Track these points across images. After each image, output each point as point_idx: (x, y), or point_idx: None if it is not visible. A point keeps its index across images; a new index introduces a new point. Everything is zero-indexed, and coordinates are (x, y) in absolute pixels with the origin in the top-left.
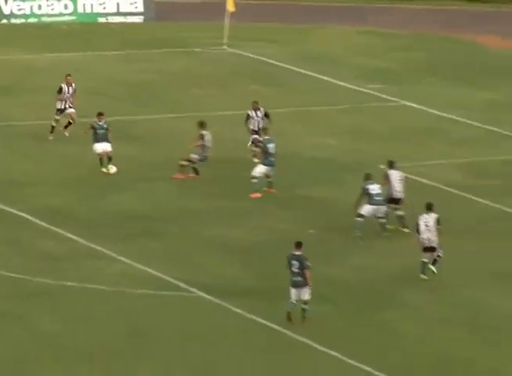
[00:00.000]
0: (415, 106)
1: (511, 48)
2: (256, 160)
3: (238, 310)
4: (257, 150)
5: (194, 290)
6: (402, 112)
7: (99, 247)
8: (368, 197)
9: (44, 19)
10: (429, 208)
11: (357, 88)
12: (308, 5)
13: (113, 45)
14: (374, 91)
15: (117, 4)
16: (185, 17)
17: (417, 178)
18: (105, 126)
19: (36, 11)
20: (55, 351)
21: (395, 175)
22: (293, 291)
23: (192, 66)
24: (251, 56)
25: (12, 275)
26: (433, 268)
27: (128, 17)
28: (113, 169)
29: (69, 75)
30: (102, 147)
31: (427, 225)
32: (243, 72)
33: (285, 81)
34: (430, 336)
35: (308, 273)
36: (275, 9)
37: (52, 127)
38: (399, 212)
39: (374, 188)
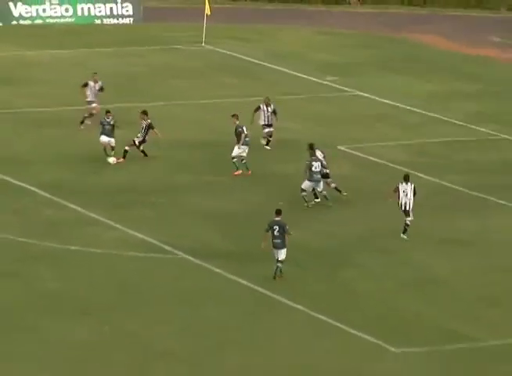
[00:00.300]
0: (367, 95)
1: (449, 46)
2: (267, 147)
3: (218, 270)
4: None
5: (180, 253)
6: (355, 101)
7: (97, 216)
8: (309, 174)
9: (48, 20)
10: (406, 179)
11: (317, 80)
12: (274, 9)
13: (107, 43)
14: (331, 82)
15: (111, 8)
16: (168, 19)
17: (369, 156)
18: (111, 123)
19: (41, 14)
20: (56, 304)
21: (319, 154)
22: (275, 252)
23: (174, 61)
24: (226, 52)
25: (20, 239)
26: (404, 236)
27: (120, 19)
28: (111, 159)
29: (95, 73)
30: (106, 139)
31: (404, 192)
32: (218, 66)
33: (255, 74)
34: (382, 292)
35: (287, 236)
36: (246, 12)
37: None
38: (333, 184)
39: (316, 166)
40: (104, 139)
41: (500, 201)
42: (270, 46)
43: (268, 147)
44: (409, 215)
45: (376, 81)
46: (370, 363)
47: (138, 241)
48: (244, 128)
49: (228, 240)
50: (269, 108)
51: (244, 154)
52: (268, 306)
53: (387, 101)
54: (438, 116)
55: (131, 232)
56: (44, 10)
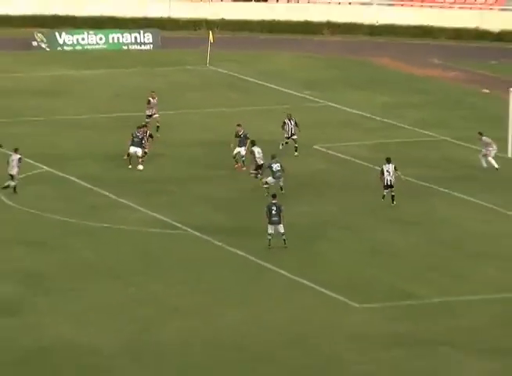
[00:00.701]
0: (336, 105)
1: (400, 67)
2: (296, 153)
3: (219, 243)
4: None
5: (189, 229)
6: (327, 110)
7: (124, 201)
8: (271, 172)
9: (86, 47)
10: (388, 161)
11: (297, 93)
12: (264, 39)
13: (132, 64)
14: (308, 95)
15: (135, 37)
16: (180, 46)
17: (338, 154)
18: (140, 137)
19: (80, 41)
20: (91, 271)
21: (257, 151)
22: (270, 227)
23: (185, 79)
24: (226, 72)
25: (64, 219)
26: (393, 203)
27: (143, 46)
28: (140, 167)
29: (153, 91)
30: (134, 150)
31: (388, 171)
32: (220, 83)
33: (249, 89)
34: (348, 260)
35: (283, 215)
36: (242, 41)
37: (144, 125)
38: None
39: (276, 166)
40: (132, 149)
41: (442, 189)
42: (260, 67)
43: (296, 153)
44: (392, 187)
45: (343, 94)
46: (338, 316)
47: (156, 221)
48: (247, 135)
49: (227, 220)
50: (292, 121)
51: (243, 152)
52: (259, 271)
53: (352, 110)
54: (392, 122)
55: (150, 213)
56: (83, 39)
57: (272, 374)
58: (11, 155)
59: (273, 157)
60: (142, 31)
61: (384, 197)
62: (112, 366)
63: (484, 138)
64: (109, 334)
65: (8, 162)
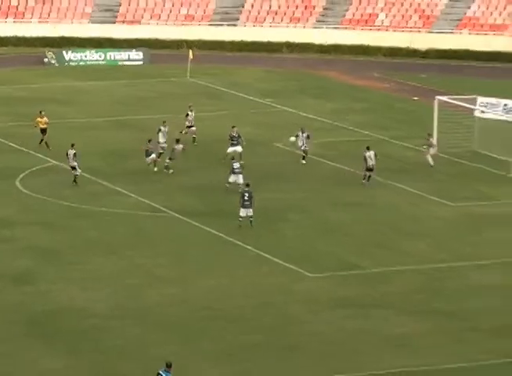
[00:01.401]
0: (292, 111)
1: (345, 79)
2: (303, 161)
3: (196, 223)
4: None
5: (171, 212)
6: (284, 114)
7: (119, 189)
8: (232, 169)
9: (88, 63)
10: (368, 148)
11: (260, 100)
12: (233, 56)
13: (126, 77)
14: (269, 102)
15: (128, 54)
16: (166, 62)
17: (294, 150)
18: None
19: (83, 58)
20: (91, 247)
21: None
22: (242, 210)
23: (170, 88)
24: (203, 83)
25: (69, 204)
26: (368, 181)
27: (135, 62)
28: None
29: (191, 105)
30: (151, 157)
31: (369, 157)
32: (198, 92)
33: (221, 97)
34: (303, 237)
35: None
36: (215, 57)
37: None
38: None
39: (236, 165)
40: (148, 158)
41: (381, 179)
42: (231, 79)
43: (303, 162)
44: (372, 171)
45: (298, 101)
46: (294, 283)
47: (145, 205)
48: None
49: (204, 205)
50: (304, 134)
51: (240, 150)
52: (229, 247)
53: (306, 114)
54: (338, 124)
55: (141, 199)
56: (85, 56)
57: (238, 330)
58: (68, 150)
59: (233, 158)
60: (134, 50)
61: (364, 177)
62: (107, 326)
63: (431, 139)
64: (104, 298)
65: (67, 155)
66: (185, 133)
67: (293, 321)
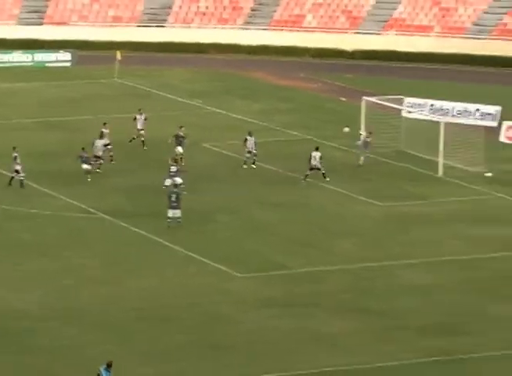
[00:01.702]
0: (220, 111)
1: (271, 80)
2: (253, 166)
3: (125, 224)
4: None
5: (100, 213)
6: (213, 115)
7: (49, 191)
8: (168, 173)
9: (15, 64)
10: (317, 149)
11: (188, 101)
12: (161, 56)
13: (54, 78)
14: (197, 103)
15: (56, 56)
16: (94, 63)
17: (222, 151)
18: (85, 155)
19: (11, 60)
20: (24, 248)
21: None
22: (170, 211)
23: (98, 89)
24: (130, 84)
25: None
26: (327, 178)
27: (63, 63)
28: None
29: (140, 109)
30: (85, 168)
31: (314, 157)
32: (126, 93)
33: (149, 98)
34: (232, 238)
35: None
36: (143, 58)
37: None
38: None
39: (173, 169)
40: (85, 166)
41: (308, 179)
42: (157, 80)
43: (254, 166)
44: (319, 169)
45: (226, 102)
46: (223, 283)
47: (75, 207)
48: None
49: (132, 206)
50: (252, 138)
51: (181, 151)
52: (159, 248)
53: (234, 115)
54: (266, 124)
55: (70, 201)
56: (13, 57)
57: (170, 330)
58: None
59: (172, 163)
60: (62, 51)
61: (306, 176)
62: (41, 327)
63: (366, 139)
64: (38, 300)
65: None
66: (137, 137)
67: (223, 321)
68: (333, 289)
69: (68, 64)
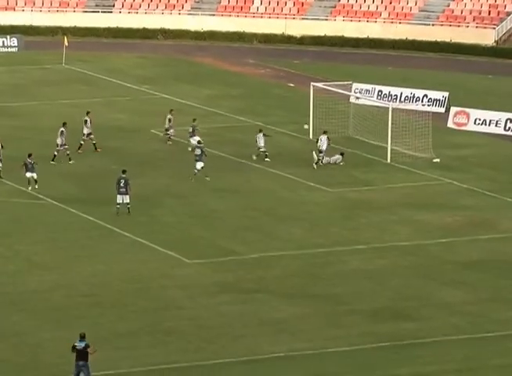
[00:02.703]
0: (168, 97)
1: (220, 65)
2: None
3: (74, 211)
4: None
5: (49, 199)
6: (161, 101)
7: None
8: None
9: None
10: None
11: (136, 87)
12: (107, 42)
13: (1, 64)
14: (145, 89)
15: (3, 41)
16: (40, 48)
17: (171, 137)
18: (32, 162)
19: None
20: None
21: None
22: (119, 197)
23: (45, 75)
24: (77, 69)
25: None
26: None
27: (9, 48)
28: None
29: (88, 112)
30: (30, 175)
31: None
32: (73, 79)
33: (96, 83)
34: (180, 223)
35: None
36: (89, 44)
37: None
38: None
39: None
40: (28, 174)
41: (255, 165)
42: (105, 65)
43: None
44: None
45: (174, 88)
46: (172, 269)
47: (21, 192)
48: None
49: (81, 192)
50: (261, 134)
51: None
52: (107, 234)
53: (182, 101)
54: (214, 110)
55: (16, 186)
56: None
57: (116, 316)
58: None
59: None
60: (8, 37)
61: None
62: None
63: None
64: None
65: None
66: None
67: (171, 306)
68: (282, 274)
69: (15, 50)
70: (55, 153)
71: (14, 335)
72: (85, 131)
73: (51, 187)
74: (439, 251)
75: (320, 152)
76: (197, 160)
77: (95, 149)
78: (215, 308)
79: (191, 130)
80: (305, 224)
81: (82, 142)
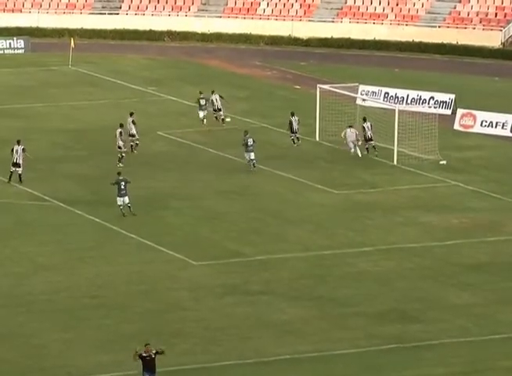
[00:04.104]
0: (174, 99)
1: (227, 67)
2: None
3: (80, 212)
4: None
5: (55, 201)
6: (167, 102)
7: (1, 178)
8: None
9: None
10: (364, 120)
11: (143, 89)
12: (114, 44)
13: (7, 66)
14: (152, 91)
15: (10, 43)
16: (47, 50)
17: (176, 138)
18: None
19: None
20: None
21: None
22: (119, 199)
23: (52, 77)
24: (84, 71)
25: None
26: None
27: (16, 50)
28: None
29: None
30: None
31: (368, 127)
32: (80, 80)
33: (103, 85)
34: (186, 224)
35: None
36: (97, 46)
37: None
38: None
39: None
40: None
41: (262, 166)
42: (111, 67)
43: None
44: (371, 140)
45: (180, 90)
46: (179, 271)
47: (28, 194)
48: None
49: (86, 193)
50: (295, 118)
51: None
52: (113, 235)
53: (187, 103)
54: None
55: (23, 188)
56: None
57: (125, 317)
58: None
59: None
60: (15, 38)
61: (367, 149)
62: None
63: (353, 129)
64: None
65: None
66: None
67: (177, 308)
68: (288, 276)
69: (21, 51)
70: (120, 155)
71: (19, 337)
72: (133, 131)
73: (55, 188)
74: (445, 253)
75: (370, 139)
76: (250, 151)
77: (132, 150)
78: (221, 310)
79: (245, 142)
80: (311, 226)
81: (137, 142)
